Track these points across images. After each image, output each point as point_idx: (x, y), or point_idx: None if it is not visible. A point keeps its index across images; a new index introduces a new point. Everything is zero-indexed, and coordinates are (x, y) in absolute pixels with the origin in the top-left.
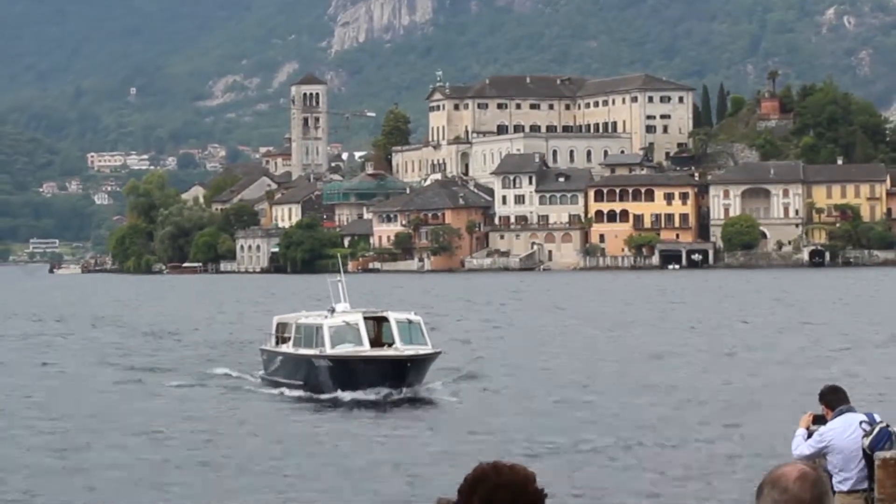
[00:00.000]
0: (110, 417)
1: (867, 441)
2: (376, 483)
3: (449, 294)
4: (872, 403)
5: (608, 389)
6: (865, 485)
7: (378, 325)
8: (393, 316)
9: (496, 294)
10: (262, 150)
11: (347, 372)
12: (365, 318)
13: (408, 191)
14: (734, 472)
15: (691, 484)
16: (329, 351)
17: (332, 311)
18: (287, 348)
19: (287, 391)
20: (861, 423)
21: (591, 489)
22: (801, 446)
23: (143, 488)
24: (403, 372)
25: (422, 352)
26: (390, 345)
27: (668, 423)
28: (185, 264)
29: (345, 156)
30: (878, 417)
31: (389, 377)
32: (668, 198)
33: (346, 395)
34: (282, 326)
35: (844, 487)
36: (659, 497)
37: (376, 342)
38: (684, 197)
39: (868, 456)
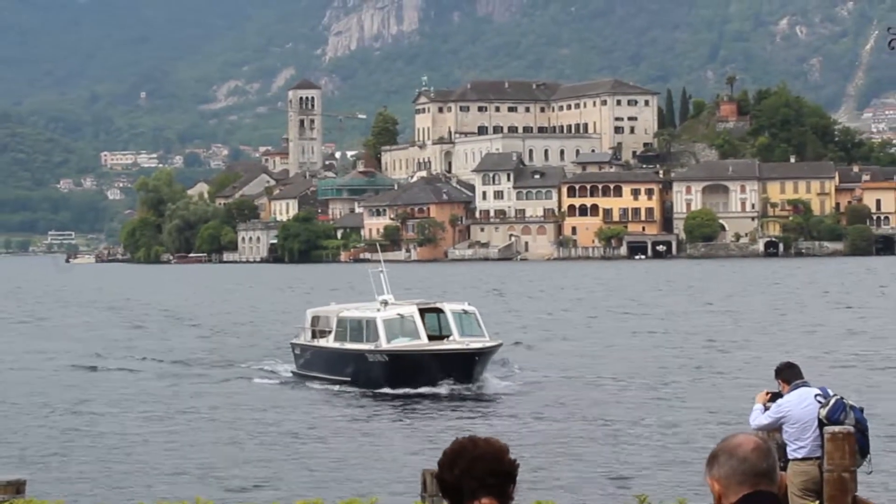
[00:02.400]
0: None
1: (824, 412)
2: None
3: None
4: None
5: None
6: (819, 453)
7: (422, 317)
8: (448, 307)
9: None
10: (262, 149)
11: (408, 367)
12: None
13: (396, 187)
14: None
15: None
16: (385, 346)
17: (385, 303)
18: (328, 342)
19: (327, 386)
20: (816, 395)
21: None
22: (760, 418)
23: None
24: (471, 366)
25: (488, 344)
26: (440, 337)
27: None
28: (191, 254)
29: (338, 155)
30: (830, 391)
31: (456, 372)
32: (635, 193)
33: (409, 391)
34: (317, 319)
35: (799, 455)
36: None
37: None
38: (650, 192)
39: (823, 426)
